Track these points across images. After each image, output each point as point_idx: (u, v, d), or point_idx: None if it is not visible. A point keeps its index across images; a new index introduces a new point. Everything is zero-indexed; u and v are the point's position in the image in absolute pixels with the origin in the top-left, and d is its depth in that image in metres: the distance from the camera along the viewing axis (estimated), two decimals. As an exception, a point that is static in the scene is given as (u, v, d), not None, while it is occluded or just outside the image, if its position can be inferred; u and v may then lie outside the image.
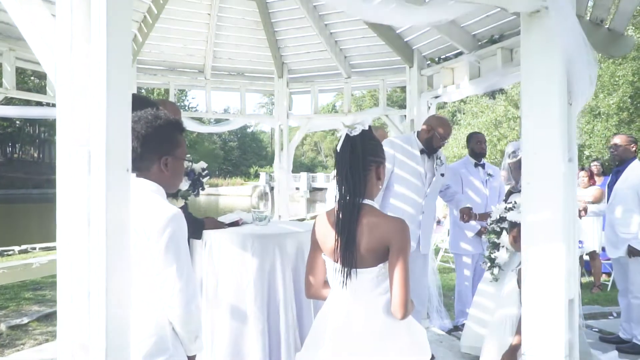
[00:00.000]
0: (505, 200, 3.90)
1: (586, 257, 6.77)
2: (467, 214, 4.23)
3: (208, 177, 2.93)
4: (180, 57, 5.68)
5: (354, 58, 5.63)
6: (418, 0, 1.83)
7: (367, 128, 1.91)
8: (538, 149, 2.03)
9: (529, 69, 2.06)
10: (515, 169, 3.72)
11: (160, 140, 1.79)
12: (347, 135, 1.89)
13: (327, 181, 48.58)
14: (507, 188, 4.29)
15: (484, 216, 4.16)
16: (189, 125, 5.67)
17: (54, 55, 1.39)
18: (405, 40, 5.12)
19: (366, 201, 1.88)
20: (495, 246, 3.49)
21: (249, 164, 64.00)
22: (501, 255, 3.41)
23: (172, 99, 5.60)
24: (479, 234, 4.70)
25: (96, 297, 1.32)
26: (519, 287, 2.67)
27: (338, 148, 1.89)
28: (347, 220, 1.85)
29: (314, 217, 19.28)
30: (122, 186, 1.42)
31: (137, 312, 1.60)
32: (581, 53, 1.94)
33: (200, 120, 6.37)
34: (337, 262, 1.89)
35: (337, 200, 1.93)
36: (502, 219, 3.45)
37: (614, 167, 4.72)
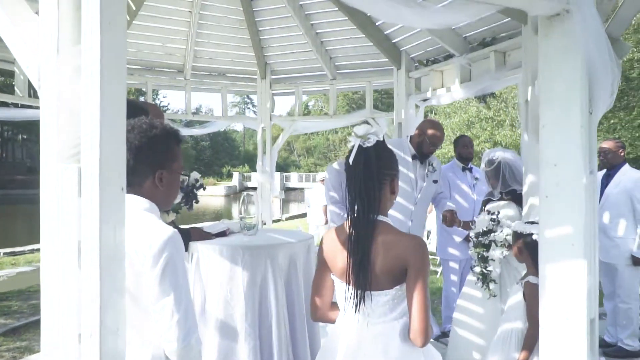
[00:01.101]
0: (482, 209, 3.74)
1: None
2: (450, 217, 4.05)
3: (202, 188, 2.73)
4: (158, 56, 5.44)
5: (339, 59, 5.48)
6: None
7: (381, 138, 1.77)
8: (558, 161, 1.92)
9: (548, 76, 1.95)
10: (492, 177, 3.59)
11: (155, 153, 1.61)
12: (360, 146, 1.74)
13: (301, 181, 48.37)
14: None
15: (468, 225, 3.95)
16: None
17: (37, 57, 1.20)
18: (393, 41, 5.00)
19: (381, 218, 1.74)
20: (485, 260, 3.33)
21: (222, 163, 63.27)
22: (495, 269, 3.28)
23: (149, 99, 5.36)
24: (466, 239, 4.60)
25: (88, 340, 1.14)
26: (525, 300, 2.57)
27: (350, 160, 1.73)
28: (361, 239, 1.71)
29: (289, 218, 19.05)
30: (117, 208, 1.24)
31: (130, 348, 1.41)
32: (604, 59, 1.83)
33: (172, 121, 6.10)
34: (348, 284, 1.74)
35: (348, 216, 1.78)
36: (489, 231, 3.32)
37: (605, 171, 4.71)
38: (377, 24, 4.86)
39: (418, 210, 4.03)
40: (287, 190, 43.59)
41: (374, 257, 1.69)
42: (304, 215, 20.08)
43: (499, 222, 3.33)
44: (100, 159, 1.18)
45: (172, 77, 5.59)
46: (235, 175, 52.54)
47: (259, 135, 5.77)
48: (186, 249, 3.11)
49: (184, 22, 5.21)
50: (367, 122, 4.82)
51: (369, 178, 1.71)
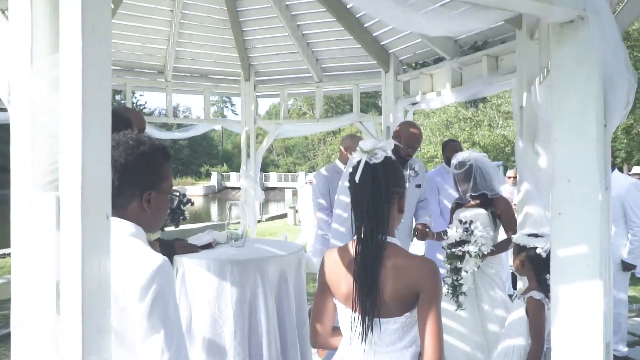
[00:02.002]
0: (451, 216, 3.61)
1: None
2: (421, 231, 3.83)
3: (190, 203, 2.56)
4: (138, 56, 5.22)
5: (326, 61, 5.35)
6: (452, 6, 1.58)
7: (389, 153, 1.64)
8: (571, 176, 1.81)
9: (561, 87, 1.84)
10: (463, 180, 3.44)
11: (143, 171, 1.44)
12: (367, 162, 1.61)
13: (280, 180, 48.07)
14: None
15: (441, 236, 3.72)
16: (146, 130, 5.22)
17: (7, 68, 1.03)
18: (381, 44, 4.88)
19: (389, 239, 1.61)
20: (458, 272, 3.17)
21: (200, 163, 62.52)
22: (466, 281, 3.14)
23: (128, 102, 5.14)
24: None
25: (69, 396, 0.98)
26: (528, 316, 2.47)
27: (356, 178, 1.60)
28: (369, 262, 1.57)
29: (270, 219, 18.87)
30: (102, 241, 1.08)
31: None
32: (620, 69, 1.74)
33: (153, 124, 5.87)
34: (354, 310, 1.61)
35: (354, 237, 1.64)
36: (462, 242, 3.17)
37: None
38: (365, 25, 4.74)
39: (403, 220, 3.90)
40: (267, 189, 43.28)
41: (382, 282, 1.56)
42: (284, 215, 19.94)
43: (472, 232, 3.18)
44: (82, 186, 1.02)
45: (152, 79, 5.37)
46: (214, 175, 51.98)
47: (243, 139, 5.60)
48: (171, 263, 2.94)
49: (165, 21, 5.01)
50: (356, 130, 4.67)
51: (377, 197, 1.58)
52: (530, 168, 3.39)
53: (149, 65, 5.36)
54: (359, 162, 1.64)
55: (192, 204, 2.41)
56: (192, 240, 3.20)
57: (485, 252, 3.19)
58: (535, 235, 2.53)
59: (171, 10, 4.91)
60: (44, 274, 1.00)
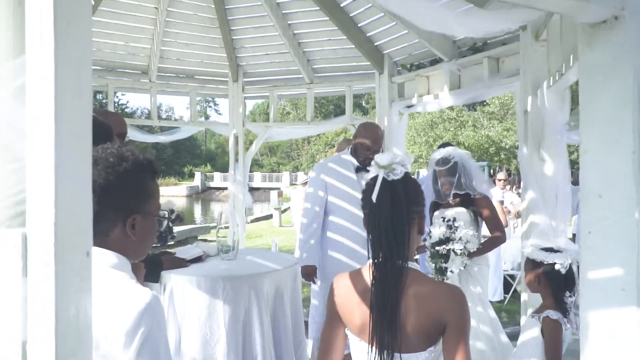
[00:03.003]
0: (431, 215, 3.44)
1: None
2: None
3: (179, 220, 2.34)
4: (121, 56, 4.97)
5: (317, 62, 5.15)
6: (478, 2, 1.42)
7: (409, 168, 1.46)
8: (603, 191, 1.65)
9: (591, 93, 1.68)
10: (446, 178, 3.29)
11: (126, 193, 1.24)
12: (384, 179, 1.42)
13: (264, 181, 47.68)
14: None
15: (422, 249, 3.46)
16: (129, 133, 4.96)
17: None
18: (375, 44, 4.71)
19: (410, 264, 1.43)
20: (443, 272, 3.05)
21: (183, 162, 61.82)
22: (452, 282, 3.01)
23: (111, 104, 4.88)
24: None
25: None
26: (543, 337, 2.31)
27: (373, 197, 1.41)
28: (389, 291, 1.39)
29: (255, 220, 18.60)
30: (82, 282, 0.88)
31: None
32: (659, 74, 1.58)
33: (137, 127, 5.58)
34: (371, 344, 1.42)
35: (370, 262, 1.46)
36: (446, 240, 3.04)
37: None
38: (359, 25, 4.56)
39: None
40: (251, 190, 42.88)
41: (404, 313, 1.38)
42: (269, 217, 19.67)
43: (456, 228, 3.06)
44: (55, 220, 0.82)
45: (135, 79, 5.12)
46: (198, 175, 51.43)
47: (231, 142, 5.38)
48: (158, 280, 2.73)
49: (150, 19, 4.77)
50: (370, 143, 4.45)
51: (397, 218, 1.40)
52: (536, 175, 3.24)
53: (132, 65, 5.11)
54: (374, 178, 1.46)
55: (182, 219, 2.19)
56: (180, 253, 2.99)
57: (471, 250, 3.07)
58: (552, 250, 2.37)
59: (156, 8, 4.67)
60: (7, 334, 0.80)
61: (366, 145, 3.48)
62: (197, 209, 34.77)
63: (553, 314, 2.26)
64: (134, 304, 1.12)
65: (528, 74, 3.27)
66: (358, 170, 3.56)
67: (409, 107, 4.69)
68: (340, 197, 3.55)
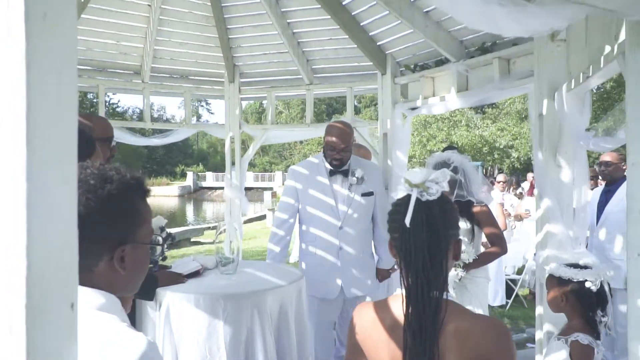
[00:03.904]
0: None
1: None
2: (383, 276, 3.54)
3: (172, 240, 2.14)
4: (112, 55, 4.74)
5: (317, 62, 4.96)
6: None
7: (445, 187, 1.27)
8: (654, 208, 1.48)
9: (638, 96, 1.51)
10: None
11: (112, 221, 1.04)
12: (417, 200, 1.24)
13: (257, 180, 47.38)
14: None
15: None
16: (120, 136, 4.76)
17: None
18: (377, 44, 4.53)
19: (449, 296, 1.26)
20: None
21: (175, 162, 61.44)
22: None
23: (101, 106, 4.66)
24: None
25: None
26: (571, 360, 2.15)
27: (407, 221, 1.23)
28: (426, 329, 1.21)
29: (247, 221, 18.36)
30: (65, 342, 0.69)
31: None
32: None
33: (129, 129, 5.33)
34: (402, 387, 1.24)
35: (402, 293, 1.28)
36: None
37: (603, 187, 4.42)
38: (361, 24, 4.38)
39: (349, 240, 3.36)
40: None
41: (442, 352, 1.20)
42: (262, 217, 19.46)
43: None
44: (28, 265, 0.63)
45: (127, 80, 4.90)
46: (190, 175, 51.11)
47: (227, 145, 5.18)
48: (152, 297, 2.53)
49: (142, 17, 4.55)
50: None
51: (434, 244, 1.22)
52: (552, 182, 3.08)
53: (124, 65, 4.89)
54: (405, 199, 1.27)
55: (174, 239, 1.98)
56: (176, 267, 2.80)
57: (467, 262, 2.90)
58: (578, 266, 2.21)
59: (149, 5, 4.46)
60: None
61: (330, 144, 3.30)
62: (190, 209, 34.49)
63: (583, 338, 2.09)
64: (127, 355, 0.93)
65: (543, 75, 3.11)
66: (332, 173, 3.38)
67: (413, 109, 4.51)
68: (310, 203, 3.38)
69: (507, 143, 29.77)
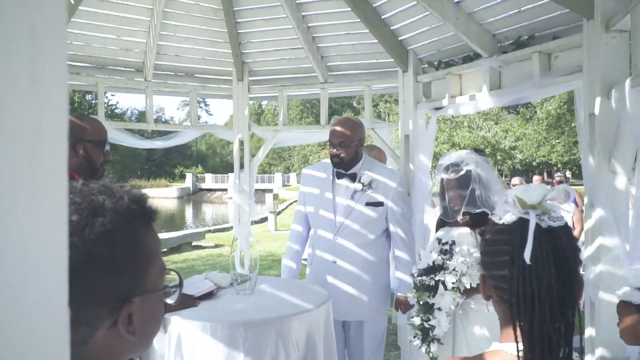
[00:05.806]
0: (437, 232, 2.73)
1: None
2: (405, 305, 3.02)
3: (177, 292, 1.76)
4: (112, 52, 4.41)
5: (332, 59, 4.63)
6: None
7: (571, 210, 0.94)
8: None
9: None
10: (454, 189, 2.57)
11: (109, 271, 0.70)
12: (538, 226, 0.91)
13: (256, 182, 46.94)
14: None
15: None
16: (120, 138, 4.43)
17: None
18: (399, 39, 4.21)
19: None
20: (429, 309, 2.35)
21: (174, 163, 61.20)
22: (441, 323, 2.32)
23: (101, 106, 4.32)
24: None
25: None
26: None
27: (526, 256, 0.89)
28: None
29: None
30: None
31: None
32: None
33: (129, 131, 4.97)
34: None
35: (522, 353, 0.94)
36: (439, 268, 2.37)
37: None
38: (383, 17, 4.05)
39: (344, 250, 2.98)
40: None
41: None
42: (264, 219, 19.08)
43: (451, 254, 2.37)
44: None
45: (129, 78, 4.57)
46: (189, 176, 50.83)
47: (235, 148, 4.85)
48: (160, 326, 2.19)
49: (145, 9, 4.22)
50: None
51: (567, 288, 0.89)
52: (606, 190, 2.76)
53: (126, 62, 4.55)
54: (517, 224, 0.94)
55: (181, 284, 1.47)
56: (187, 288, 2.46)
57: (467, 286, 2.36)
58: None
59: (152, -3, 4.14)
60: None
61: (329, 138, 3.01)
62: (189, 212, 34.13)
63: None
64: None
65: (595, 70, 2.78)
66: (340, 177, 3.04)
67: (437, 109, 4.19)
68: (312, 203, 3.10)
69: (510, 145, 29.54)
